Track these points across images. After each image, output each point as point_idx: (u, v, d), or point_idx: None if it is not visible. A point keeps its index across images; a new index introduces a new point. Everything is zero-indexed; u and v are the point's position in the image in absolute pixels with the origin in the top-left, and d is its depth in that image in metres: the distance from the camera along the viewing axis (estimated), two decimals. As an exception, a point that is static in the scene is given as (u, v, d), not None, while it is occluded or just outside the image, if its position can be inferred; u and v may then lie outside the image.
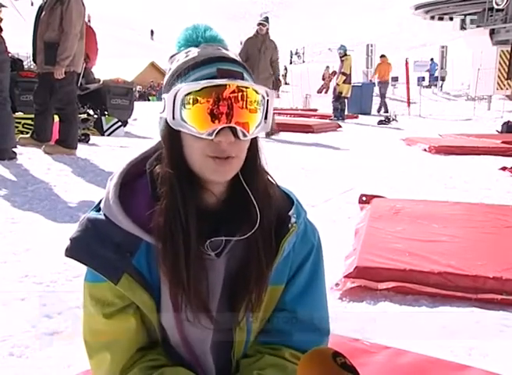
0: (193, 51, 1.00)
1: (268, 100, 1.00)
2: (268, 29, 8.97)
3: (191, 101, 0.95)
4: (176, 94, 0.96)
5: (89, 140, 6.63)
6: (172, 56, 1.04)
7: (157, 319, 1.06)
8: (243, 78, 0.97)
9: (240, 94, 0.95)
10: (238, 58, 1.01)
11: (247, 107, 0.97)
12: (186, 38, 1.05)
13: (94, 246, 1.01)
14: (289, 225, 1.07)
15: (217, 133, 0.94)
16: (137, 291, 1.02)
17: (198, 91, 0.94)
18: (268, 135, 8.14)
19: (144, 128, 8.89)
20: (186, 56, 1.00)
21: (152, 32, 72.77)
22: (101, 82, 8.42)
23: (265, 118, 1.01)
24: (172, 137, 0.99)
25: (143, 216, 1.00)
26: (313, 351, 0.87)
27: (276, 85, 9.08)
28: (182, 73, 0.98)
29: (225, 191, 1.04)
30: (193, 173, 1.00)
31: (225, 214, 1.03)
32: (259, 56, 8.62)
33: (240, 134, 0.96)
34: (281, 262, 1.08)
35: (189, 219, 0.98)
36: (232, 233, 1.03)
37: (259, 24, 9.00)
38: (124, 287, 1.01)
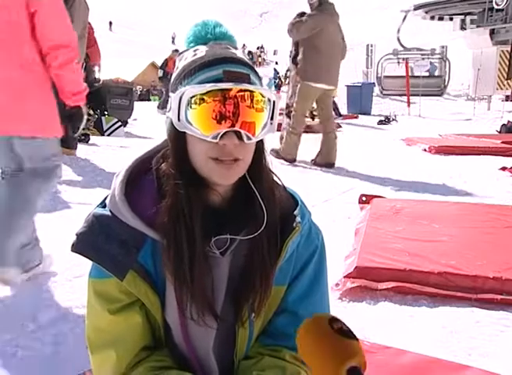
0: (201, 50, 1.00)
1: (274, 101, 1.00)
2: None
3: (196, 103, 0.95)
4: (182, 96, 0.96)
5: (89, 140, 6.63)
6: (180, 53, 1.04)
7: (161, 317, 1.06)
8: (249, 80, 0.97)
9: (245, 94, 0.95)
10: (246, 59, 1.01)
11: (252, 107, 0.96)
12: (195, 34, 1.04)
13: (100, 242, 1.01)
14: (294, 224, 1.06)
15: (222, 136, 0.95)
16: (142, 287, 1.02)
17: (203, 93, 0.94)
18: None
19: (144, 128, 8.90)
20: (194, 55, 0.99)
21: (111, 23, 71.91)
22: (101, 82, 8.43)
23: (271, 119, 1.01)
24: (178, 137, 0.99)
25: (148, 212, 1.00)
26: (311, 319, 0.87)
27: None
28: (188, 73, 0.98)
29: (231, 190, 1.04)
30: (198, 173, 1.00)
31: (231, 213, 1.03)
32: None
33: (245, 137, 0.96)
34: (284, 263, 1.08)
35: (193, 217, 0.98)
36: (238, 232, 1.03)
37: None
38: (129, 284, 1.01)
